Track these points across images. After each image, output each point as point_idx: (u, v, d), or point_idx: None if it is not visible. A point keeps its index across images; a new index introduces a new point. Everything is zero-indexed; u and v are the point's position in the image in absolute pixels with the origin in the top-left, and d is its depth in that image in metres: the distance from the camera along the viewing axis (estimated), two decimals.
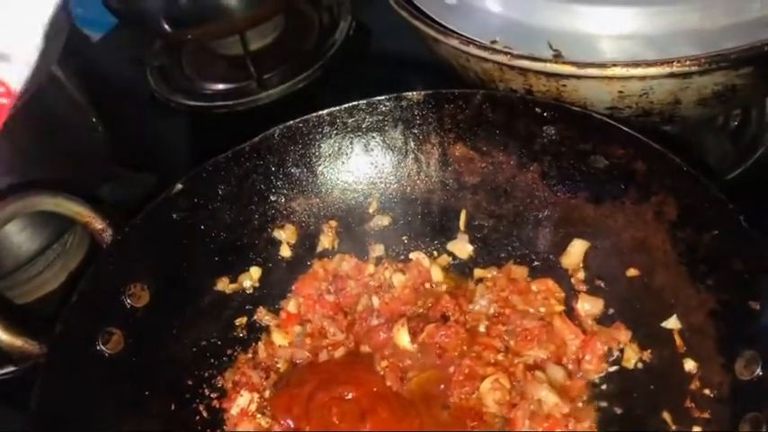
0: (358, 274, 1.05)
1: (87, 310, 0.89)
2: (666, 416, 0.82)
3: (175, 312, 0.96)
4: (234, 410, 0.93)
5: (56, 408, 0.83)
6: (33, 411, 0.82)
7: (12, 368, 1.17)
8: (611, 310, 0.94)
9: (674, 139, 0.98)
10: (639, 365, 0.89)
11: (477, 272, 1.03)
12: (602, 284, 0.95)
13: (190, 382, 0.95)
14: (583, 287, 0.96)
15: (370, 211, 1.07)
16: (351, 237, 1.07)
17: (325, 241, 1.07)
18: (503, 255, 1.02)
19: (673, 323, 0.86)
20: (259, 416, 0.93)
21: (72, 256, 1.26)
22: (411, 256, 1.06)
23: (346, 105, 1.03)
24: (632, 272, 0.92)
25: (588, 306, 0.95)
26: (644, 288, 0.90)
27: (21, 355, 0.87)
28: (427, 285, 1.04)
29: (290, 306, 1.03)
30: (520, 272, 1.00)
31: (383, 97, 1.02)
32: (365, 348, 0.99)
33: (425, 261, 1.05)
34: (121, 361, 0.89)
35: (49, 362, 0.86)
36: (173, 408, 0.92)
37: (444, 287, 1.03)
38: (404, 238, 1.07)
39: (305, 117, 1.04)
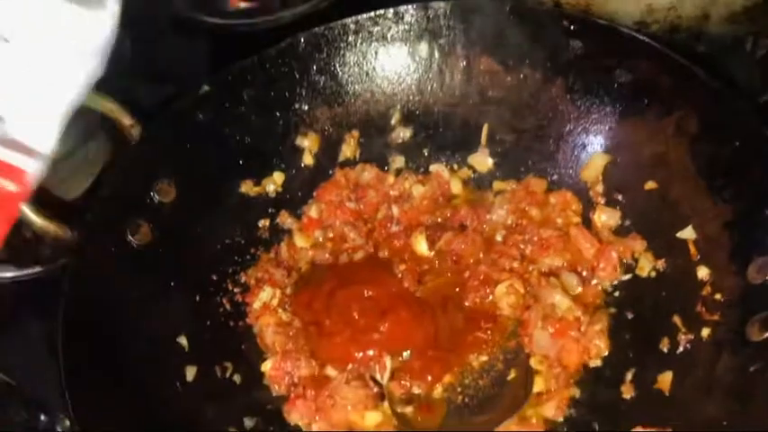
0: (378, 183, 1.06)
1: (116, 201, 0.91)
2: (677, 319, 0.85)
3: (201, 210, 0.98)
4: (256, 304, 0.96)
5: (86, 293, 0.85)
6: (66, 295, 0.84)
7: (38, 269, 1.20)
8: (627, 222, 0.96)
9: (702, 59, 0.98)
10: (653, 274, 0.91)
11: (497, 185, 1.04)
12: (620, 197, 0.97)
13: (214, 277, 0.97)
14: (601, 200, 0.98)
15: (393, 122, 1.08)
16: (372, 147, 1.08)
17: (347, 151, 1.08)
18: (522, 168, 1.04)
19: (688, 233, 0.88)
20: (280, 311, 0.95)
21: (94, 164, 1.28)
22: (431, 168, 1.07)
23: (372, 13, 1.03)
24: (650, 185, 0.93)
25: (605, 217, 0.97)
26: (661, 200, 0.92)
27: (53, 240, 0.89)
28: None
29: (312, 211, 1.05)
30: (539, 185, 1.02)
31: (409, 6, 1.02)
32: (384, 253, 1.01)
33: (445, 173, 1.06)
34: (149, 252, 0.92)
35: (80, 248, 0.88)
36: (197, 299, 0.95)
37: (463, 198, 1.05)
38: (425, 150, 1.08)
39: (330, 24, 1.04)
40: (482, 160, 1.06)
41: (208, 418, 0.84)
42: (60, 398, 0.76)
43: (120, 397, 0.79)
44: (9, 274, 1.20)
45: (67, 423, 1.00)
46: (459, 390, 0.88)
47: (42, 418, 1.04)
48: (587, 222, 0.98)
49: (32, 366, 1.06)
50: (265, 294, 0.96)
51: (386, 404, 0.87)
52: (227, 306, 0.97)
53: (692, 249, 0.87)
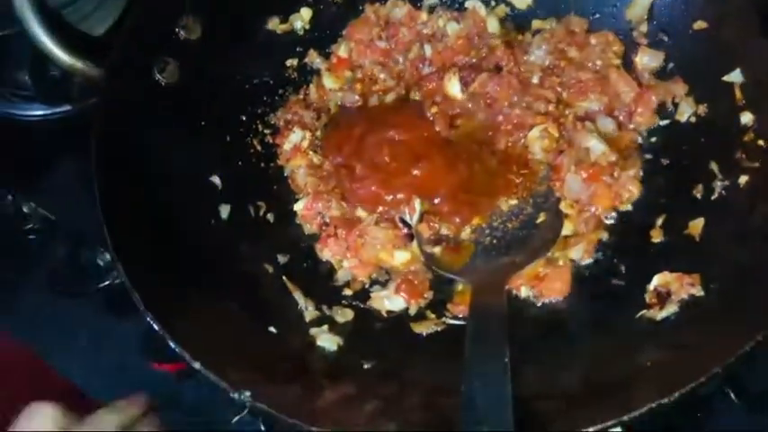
0: (410, 21, 1.02)
1: (142, 37, 0.89)
2: (714, 166, 0.83)
3: (228, 48, 0.96)
4: (287, 146, 0.96)
5: (117, 132, 0.85)
6: (96, 133, 0.84)
7: (68, 107, 1.20)
8: (670, 65, 0.92)
9: None
10: (693, 119, 0.89)
11: (535, 23, 1.00)
12: (666, 38, 0.92)
13: (244, 118, 0.97)
14: (644, 40, 0.94)
15: None
16: None
17: None
18: (563, 6, 0.98)
19: (735, 77, 0.84)
20: (311, 153, 0.95)
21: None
22: (467, 4, 1.02)
23: None
24: (700, 24, 0.88)
25: (647, 59, 0.93)
26: (710, 41, 0.88)
27: (82, 77, 0.88)
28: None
29: (341, 50, 1.02)
30: (580, 24, 0.97)
31: None
32: (415, 96, 0.99)
33: (482, 10, 1.01)
34: (177, 91, 0.91)
35: (107, 86, 0.87)
36: (228, 139, 0.95)
37: (499, 38, 1.00)
38: None
39: None
40: None
41: (243, 255, 0.87)
42: (100, 233, 0.77)
43: (157, 233, 0.81)
44: (40, 112, 1.21)
45: (108, 257, 1.04)
46: (487, 232, 0.89)
47: (83, 251, 1.08)
48: (628, 65, 0.94)
49: (72, 203, 1.09)
50: (295, 136, 0.96)
51: (414, 244, 0.89)
52: (258, 147, 0.97)
53: (738, 94, 0.84)
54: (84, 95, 1.17)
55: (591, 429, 0.60)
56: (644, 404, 0.60)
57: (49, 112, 1.20)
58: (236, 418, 0.92)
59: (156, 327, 0.70)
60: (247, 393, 0.65)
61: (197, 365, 0.67)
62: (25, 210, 1.15)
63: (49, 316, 1.05)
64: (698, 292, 0.74)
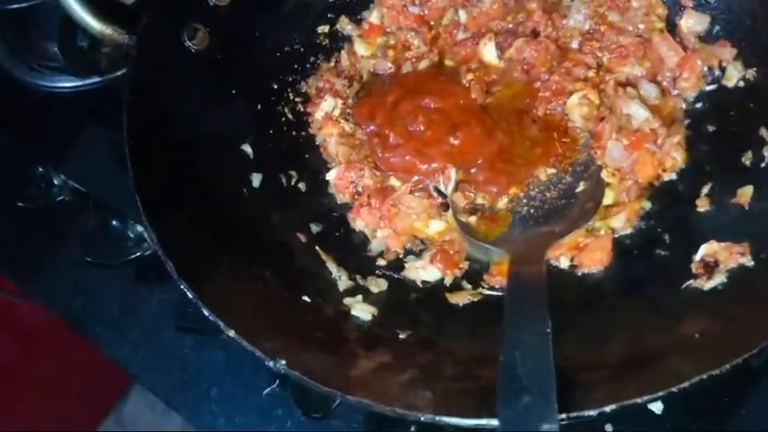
0: None
1: (172, 4, 0.88)
2: (764, 132, 0.80)
3: (258, 15, 0.94)
4: (318, 114, 0.94)
5: (147, 99, 0.84)
6: (127, 101, 0.83)
7: (98, 78, 1.19)
8: (716, 28, 0.88)
9: None
10: (741, 84, 0.85)
11: None
12: (712, 0, 0.88)
13: (274, 86, 0.95)
14: (689, 2, 0.90)
15: None
16: None
17: None
18: None
19: None
20: (342, 121, 0.93)
21: None
22: None
23: None
24: None
25: (692, 22, 0.89)
26: (759, 2, 0.84)
27: (111, 44, 0.87)
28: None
29: (373, 17, 1.00)
30: None
31: None
32: (449, 63, 0.96)
33: None
34: (207, 58, 0.89)
35: (138, 53, 0.86)
36: (258, 108, 0.93)
37: (537, 2, 0.97)
38: None
39: None
40: None
41: (275, 223, 0.86)
42: (131, 204, 0.77)
43: (189, 201, 0.80)
44: (69, 84, 1.20)
45: (138, 228, 1.04)
46: (524, 201, 0.87)
47: (114, 222, 1.08)
48: (672, 28, 0.90)
49: (102, 175, 1.09)
50: (327, 104, 0.94)
51: (449, 214, 0.87)
52: (289, 116, 0.95)
53: None
54: (112, 67, 1.16)
55: (638, 400, 0.58)
56: (694, 375, 0.58)
57: (78, 83, 1.20)
58: (266, 390, 0.92)
59: (189, 295, 0.69)
60: (282, 362, 0.64)
61: (231, 333, 0.66)
62: (56, 182, 1.15)
63: (81, 287, 1.05)
64: (748, 261, 0.71)
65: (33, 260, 1.09)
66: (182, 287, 0.70)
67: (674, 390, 0.58)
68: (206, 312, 0.68)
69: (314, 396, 0.88)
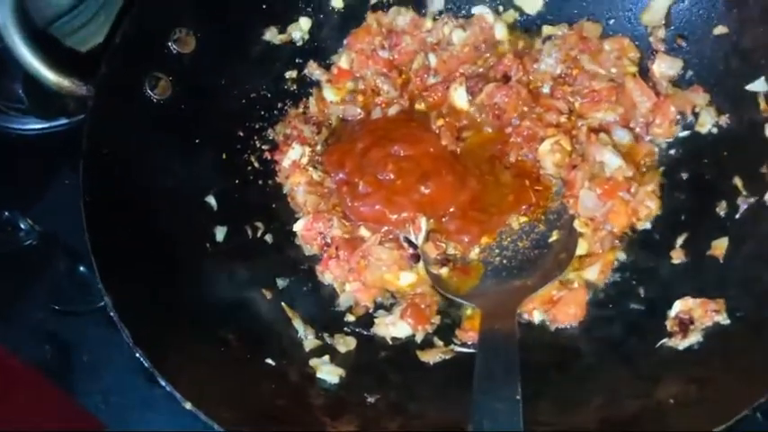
0: (414, 29, 0.97)
1: (132, 51, 0.85)
2: (738, 181, 0.78)
3: (223, 61, 0.92)
4: (285, 162, 0.92)
5: (107, 149, 0.81)
6: (85, 153, 0.80)
7: (65, 120, 1.16)
8: (689, 73, 0.87)
9: None
10: (714, 130, 0.84)
11: (546, 29, 0.95)
12: (684, 44, 0.87)
13: (240, 133, 0.93)
14: (661, 47, 0.88)
15: None
16: None
17: None
18: (576, 11, 0.93)
19: (759, 85, 0.79)
20: (311, 169, 0.91)
21: (114, 10, 1.20)
22: (473, 10, 0.97)
23: None
24: (720, 30, 0.83)
25: (665, 66, 0.88)
26: (731, 48, 0.83)
27: (69, 95, 0.84)
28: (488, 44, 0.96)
29: (342, 61, 0.97)
30: (593, 29, 0.92)
31: None
32: (420, 107, 0.94)
33: (489, 16, 0.96)
34: (170, 107, 0.87)
35: (96, 104, 0.83)
36: (224, 157, 0.91)
37: (508, 46, 0.95)
38: None
39: None
40: (531, 0, 0.95)
41: (240, 280, 0.83)
42: None
43: (148, 262, 0.77)
44: (35, 126, 1.17)
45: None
46: (496, 251, 0.85)
47: (82, 269, 1.05)
48: (644, 73, 0.89)
49: (70, 218, 1.05)
50: (294, 152, 0.92)
51: (420, 265, 0.84)
52: (256, 164, 0.93)
53: (763, 104, 0.79)
54: (79, 109, 1.13)
55: None
56: None
57: (45, 125, 1.17)
58: None
59: (146, 364, 0.66)
60: None
61: (188, 406, 0.63)
62: (22, 226, 1.12)
63: (51, 333, 1.02)
64: (723, 320, 0.69)
65: (2, 306, 1.06)
66: (137, 355, 0.67)
67: None
68: (162, 383, 0.65)
69: None
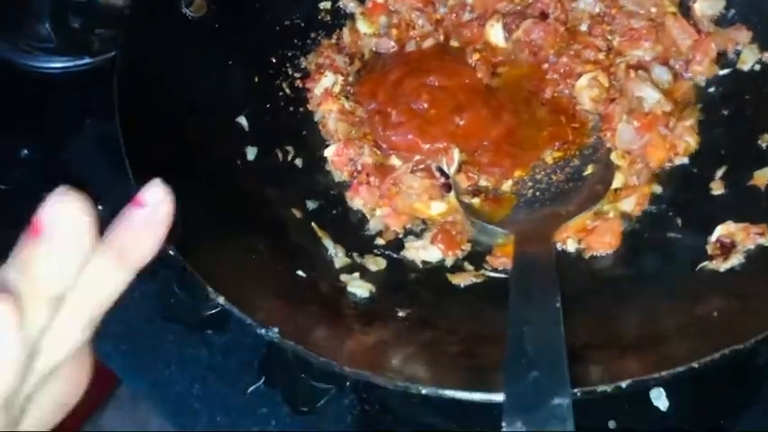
0: None
1: None
2: None
3: None
4: (317, 90, 0.90)
5: (140, 65, 0.80)
6: (118, 70, 0.79)
7: (88, 59, 1.15)
8: (731, 11, 0.86)
9: None
10: (757, 67, 0.83)
11: None
12: None
13: (273, 59, 0.92)
14: None
15: None
16: None
17: None
18: None
19: None
20: (343, 99, 0.90)
21: None
22: None
23: None
24: None
25: (706, 5, 0.87)
26: None
27: (104, 5, 0.83)
28: None
29: None
30: None
31: None
32: (454, 43, 0.94)
33: None
34: (205, 26, 0.86)
35: (132, 18, 0.83)
36: (256, 80, 0.90)
37: None
38: None
39: None
40: None
41: (270, 198, 0.81)
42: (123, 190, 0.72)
43: (181, 172, 0.75)
44: (59, 65, 1.16)
45: None
46: (530, 184, 0.83)
47: (100, 207, 1.03)
48: (685, 12, 0.88)
49: (92, 160, 1.05)
50: (327, 80, 0.90)
51: (452, 194, 0.83)
52: (287, 90, 0.91)
53: None
54: (104, 48, 1.13)
55: (656, 375, 0.54)
56: (715, 350, 0.54)
57: (69, 64, 1.16)
58: (251, 388, 0.86)
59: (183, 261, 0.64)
60: (275, 329, 0.60)
61: (221, 300, 0.62)
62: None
63: None
64: (766, 241, 0.68)
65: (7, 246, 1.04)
66: (170, 252, 0.65)
67: (694, 366, 0.54)
68: (196, 275, 0.63)
69: (302, 390, 0.84)
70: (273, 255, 0.74)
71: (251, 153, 0.84)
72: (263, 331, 0.60)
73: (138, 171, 0.71)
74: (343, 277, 0.75)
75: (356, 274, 0.76)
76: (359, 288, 0.73)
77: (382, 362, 0.61)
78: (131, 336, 0.91)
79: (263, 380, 0.87)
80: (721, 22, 0.86)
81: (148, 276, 0.93)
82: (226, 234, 0.72)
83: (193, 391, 0.87)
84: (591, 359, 0.59)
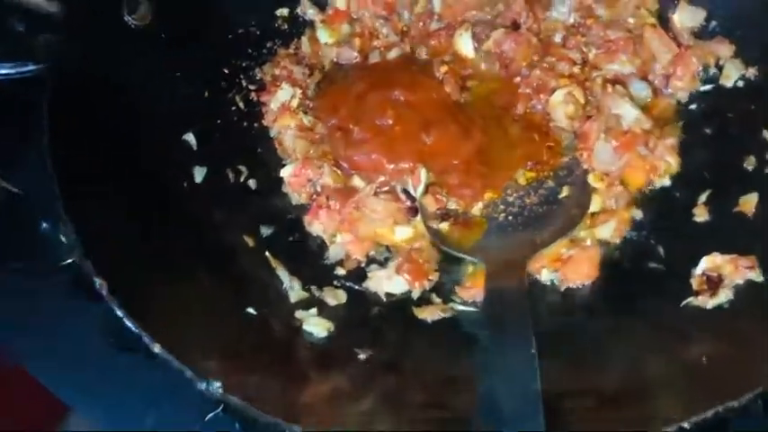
0: None
1: None
2: (767, 135, 0.72)
3: None
4: (273, 104, 0.84)
5: (80, 77, 0.73)
6: (52, 82, 0.72)
7: (32, 66, 1.07)
8: (713, 23, 0.82)
9: None
10: (740, 83, 0.78)
11: None
12: None
13: (225, 71, 0.85)
14: None
15: None
16: None
17: None
18: None
19: None
20: (301, 114, 0.83)
21: None
22: None
23: None
24: None
25: (687, 17, 0.82)
26: None
27: (37, 11, 0.76)
28: None
29: (339, 1, 0.90)
30: None
31: None
32: (421, 54, 0.88)
33: None
34: (150, 35, 0.78)
35: (68, 25, 0.75)
36: (206, 94, 0.83)
37: None
38: None
39: None
40: None
41: (219, 224, 0.75)
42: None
43: (117, 194, 0.69)
44: (1, 71, 1.08)
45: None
46: (502, 207, 0.78)
47: (44, 225, 0.96)
48: (664, 24, 0.83)
49: (34, 170, 0.97)
50: (283, 93, 0.84)
51: (418, 218, 0.77)
52: (241, 105, 0.85)
53: None
54: (49, 54, 1.05)
55: None
56: (708, 406, 0.49)
57: (10, 71, 1.08)
58: (209, 416, 0.80)
59: (109, 302, 0.57)
60: (217, 384, 0.53)
61: (157, 349, 0.55)
62: None
63: (3, 296, 0.92)
64: (757, 276, 0.63)
65: None
66: (101, 292, 0.58)
67: (684, 426, 0.48)
68: (129, 324, 0.56)
69: (262, 424, 0.77)
70: (221, 290, 0.67)
71: (199, 174, 0.77)
72: (203, 386, 0.53)
73: (65, 192, 0.64)
74: (299, 314, 0.68)
75: (313, 310, 0.69)
76: (316, 326, 0.67)
77: (339, 417, 0.55)
78: (80, 363, 0.84)
79: (221, 407, 0.80)
80: (702, 34, 0.82)
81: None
82: (166, 267, 0.66)
83: (146, 421, 0.80)
84: (567, 411, 0.54)
